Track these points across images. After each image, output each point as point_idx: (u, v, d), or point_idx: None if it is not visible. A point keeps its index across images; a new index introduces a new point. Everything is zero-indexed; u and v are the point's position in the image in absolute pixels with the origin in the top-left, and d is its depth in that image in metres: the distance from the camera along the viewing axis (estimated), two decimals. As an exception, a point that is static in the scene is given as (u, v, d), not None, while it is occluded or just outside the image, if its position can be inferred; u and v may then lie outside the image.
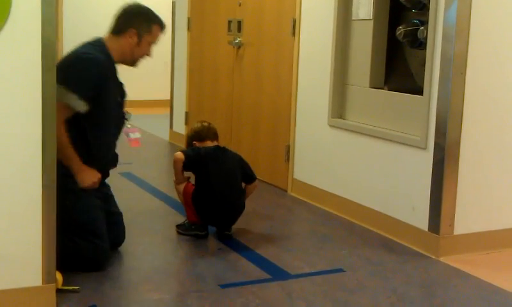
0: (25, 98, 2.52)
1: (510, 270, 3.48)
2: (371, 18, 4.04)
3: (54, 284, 2.68)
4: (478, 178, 3.61)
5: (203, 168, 3.62)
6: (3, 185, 2.54)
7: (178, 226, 3.79)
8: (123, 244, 3.45)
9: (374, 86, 4.09)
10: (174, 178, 3.76)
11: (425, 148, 3.59)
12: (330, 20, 4.30)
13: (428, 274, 3.32)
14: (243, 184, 3.79)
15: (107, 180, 3.45)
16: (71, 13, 8.92)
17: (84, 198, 3.11)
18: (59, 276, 2.78)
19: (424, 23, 3.66)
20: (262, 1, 5.12)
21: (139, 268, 3.22)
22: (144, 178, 5.14)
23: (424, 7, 3.71)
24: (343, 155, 4.27)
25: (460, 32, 3.41)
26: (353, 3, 4.18)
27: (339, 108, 4.33)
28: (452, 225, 3.55)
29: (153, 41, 3.32)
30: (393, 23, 3.99)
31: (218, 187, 3.58)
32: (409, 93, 3.80)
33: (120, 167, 5.40)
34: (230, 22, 5.58)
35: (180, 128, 6.61)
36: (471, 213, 3.61)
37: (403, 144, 3.76)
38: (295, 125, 4.74)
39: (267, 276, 3.18)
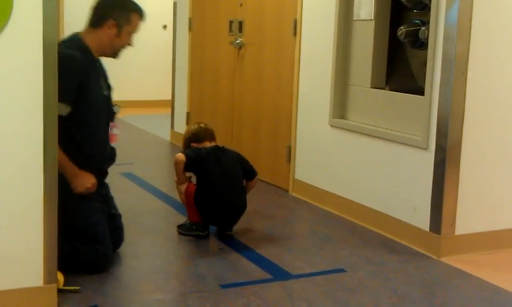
0: (27, 98, 2.52)
1: (511, 270, 3.47)
2: (372, 18, 4.03)
3: (55, 285, 2.67)
4: (479, 178, 3.61)
5: (204, 169, 3.62)
6: (4, 185, 2.54)
7: (179, 226, 3.80)
8: (124, 244, 3.45)
9: (375, 86, 4.09)
10: (175, 179, 3.77)
11: (426, 149, 3.59)
12: (331, 20, 4.29)
13: (429, 274, 3.32)
14: (244, 181, 3.79)
15: (107, 180, 3.42)
16: (72, 12, 8.91)
17: (85, 202, 3.08)
18: (60, 276, 2.78)
19: (425, 23, 3.66)
20: (263, 1, 5.12)
21: (140, 269, 3.22)
22: (145, 178, 5.14)
23: (425, 8, 3.71)
24: (344, 155, 4.27)
25: (461, 33, 3.40)
26: (354, 3, 4.18)
27: (340, 108, 4.33)
28: (453, 225, 3.55)
29: (133, 30, 3.23)
30: (394, 24, 3.98)
31: (220, 187, 3.59)
32: (411, 93, 3.79)
33: (120, 167, 5.45)
34: (231, 22, 5.58)
35: (181, 128, 6.60)
36: (472, 214, 3.61)
37: (404, 144, 3.76)
38: (296, 125, 4.74)
39: (268, 276, 3.18)
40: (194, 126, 3.91)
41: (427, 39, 3.58)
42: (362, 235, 3.90)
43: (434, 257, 3.52)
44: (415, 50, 3.89)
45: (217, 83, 5.93)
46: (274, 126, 5.02)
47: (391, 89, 4.02)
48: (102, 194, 3.28)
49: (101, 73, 3.25)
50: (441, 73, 3.47)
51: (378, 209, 3.96)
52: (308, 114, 4.63)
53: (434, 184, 3.55)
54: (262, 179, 5.06)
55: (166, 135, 7.02)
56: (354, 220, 4.13)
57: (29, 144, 2.54)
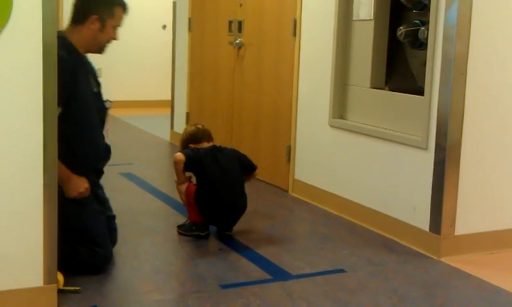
0: (26, 97, 2.52)
1: (511, 270, 3.47)
2: (372, 18, 4.03)
3: (55, 285, 2.67)
4: (479, 178, 3.61)
5: (203, 169, 3.63)
6: (4, 185, 2.54)
7: (179, 227, 3.80)
8: (124, 245, 3.45)
9: (374, 86, 4.09)
10: (175, 179, 3.76)
11: (426, 149, 3.59)
12: (331, 21, 4.29)
13: (429, 274, 3.32)
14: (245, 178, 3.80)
15: (104, 180, 3.40)
16: (72, 13, 8.93)
17: (84, 205, 3.06)
18: (60, 277, 2.78)
19: (425, 23, 3.66)
20: (263, 2, 5.12)
21: (140, 269, 3.22)
22: (145, 178, 5.13)
23: (425, 8, 3.71)
24: (344, 156, 4.27)
25: (461, 33, 3.40)
26: (354, 3, 4.18)
27: (340, 108, 4.33)
28: (453, 225, 3.55)
29: (117, 24, 3.17)
30: (394, 24, 3.98)
31: (220, 187, 3.59)
32: (410, 94, 3.79)
33: (120, 168, 5.45)
34: (230, 22, 5.58)
35: (181, 128, 6.56)
36: (472, 214, 3.61)
37: (404, 144, 3.76)
38: (296, 126, 4.74)
39: (268, 276, 3.18)
40: (191, 128, 3.91)
41: (426, 39, 3.59)
42: (362, 235, 3.90)
43: (434, 257, 3.52)
44: (415, 50, 3.89)
45: (216, 83, 5.93)
46: (273, 127, 5.02)
47: (390, 89, 4.02)
48: (99, 194, 3.26)
49: (89, 70, 3.19)
50: (441, 73, 3.47)
51: (378, 209, 3.96)
52: (307, 114, 4.63)
53: (433, 184, 3.55)
54: (262, 179, 5.06)
55: (166, 136, 7.02)
56: (353, 221, 4.13)
57: (28, 144, 2.54)
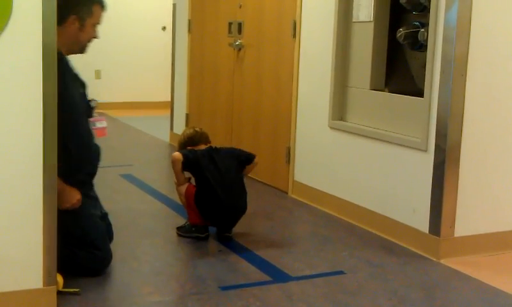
0: (26, 98, 2.52)
1: (511, 272, 3.47)
2: (371, 20, 4.04)
3: (54, 287, 2.67)
4: (479, 180, 3.61)
5: (201, 169, 3.63)
6: (4, 186, 2.54)
7: (178, 228, 3.79)
8: (124, 246, 3.46)
9: (374, 88, 4.09)
10: (175, 180, 3.77)
11: (425, 150, 3.59)
12: (330, 22, 4.30)
13: (429, 276, 3.32)
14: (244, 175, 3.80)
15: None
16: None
17: (81, 209, 3.04)
18: (59, 278, 2.78)
19: (425, 25, 3.66)
20: (263, 3, 5.12)
21: (140, 270, 3.21)
22: (145, 179, 5.13)
23: (425, 9, 3.71)
24: (343, 157, 4.27)
25: (461, 34, 3.41)
26: (354, 5, 4.18)
27: (340, 110, 4.33)
28: (452, 227, 3.55)
29: (96, 22, 3.15)
30: (393, 26, 3.98)
31: (218, 189, 3.59)
32: (410, 95, 3.79)
33: (120, 169, 5.45)
34: (230, 23, 5.58)
35: (181, 130, 6.57)
36: (472, 215, 3.61)
37: (404, 146, 3.76)
38: (295, 127, 4.74)
39: (268, 278, 3.17)
40: (189, 131, 3.93)
41: (426, 41, 3.59)
42: (361, 236, 3.90)
43: (434, 259, 3.52)
44: (414, 52, 3.90)
45: (216, 85, 5.93)
46: (273, 128, 5.02)
47: (390, 91, 4.02)
48: (90, 194, 3.26)
49: (74, 72, 3.19)
50: (441, 75, 3.47)
51: (377, 211, 3.96)
52: (307, 115, 4.63)
53: (433, 186, 3.55)
54: (261, 180, 5.06)
55: (166, 137, 7.02)
56: (353, 222, 4.13)
57: (28, 144, 2.54)
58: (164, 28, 9.41)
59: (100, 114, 3.29)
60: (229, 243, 3.66)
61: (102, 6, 3.17)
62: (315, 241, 3.83)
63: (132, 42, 9.34)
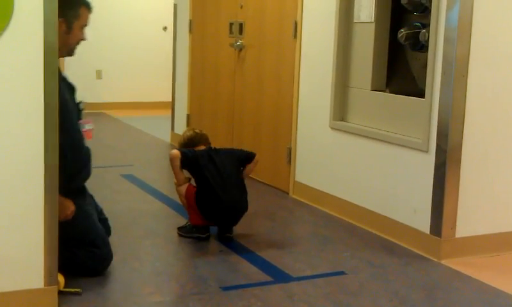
0: (27, 99, 2.52)
1: (512, 273, 3.48)
2: (373, 20, 4.04)
3: (56, 287, 2.68)
4: (480, 181, 3.61)
5: (200, 170, 3.63)
6: (5, 187, 2.54)
7: (179, 229, 3.80)
8: (125, 246, 3.46)
9: (375, 88, 4.09)
10: (175, 181, 3.77)
11: (427, 151, 3.59)
12: (332, 23, 4.30)
13: (430, 276, 3.32)
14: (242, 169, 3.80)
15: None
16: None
17: (79, 210, 3.03)
18: (61, 278, 2.78)
19: (426, 26, 3.66)
20: (264, 3, 5.12)
21: (141, 271, 3.22)
22: (146, 180, 5.14)
23: (426, 10, 3.71)
24: (344, 158, 4.27)
25: (462, 35, 3.41)
26: (355, 6, 4.18)
27: (341, 110, 4.33)
28: (453, 228, 3.55)
29: (84, 24, 3.15)
30: (394, 26, 3.98)
31: (218, 188, 3.58)
32: (411, 96, 3.79)
33: (121, 169, 5.45)
34: (231, 24, 5.58)
35: (182, 130, 6.59)
36: (473, 216, 3.61)
37: (405, 146, 3.76)
38: (296, 127, 4.74)
39: (269, 279, 3.17)
40: (189, 132, 3.94)
41: (427, 41, 3.59)
42: (362, 237, 3.90)
43: (435, 259, 3.52)
44: (416, 53, 3.90)
45: (217, 85, 5.93)
46: (274, 128, 5.02)
47: (391, 92, 4.02)
48: (87, 194, 3.25)
49: (60, 75, 3.19)
50: (442, 76, 3.47)
51: (378, 211, 3.96)
52: (308, 116, 4.63)
53: (434, 186, 3.55)
54: (262, 181, 5.06)
55: (167, 137, 7.02)
56: (354, 223, 4.13)
57: (30, 145, 2.54)
58: (165, 28, 9.41)
59: (87, 116, 3.27)
60: (230, 243, 3.66)
61: (89, 8, 3.17)
62: (316, 241, 3.83)
63: (133, 42, 9.35)
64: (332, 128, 4.36)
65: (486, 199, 3.65)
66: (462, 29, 3.40)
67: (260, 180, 5.08)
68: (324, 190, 4.46)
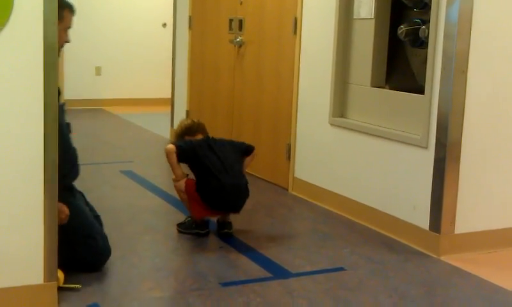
0: (27, 98, 2.52)
1: (511, 269, 3.48)
2: (372, 17, 4.03)
3: (55, 282, 2.68)
4: (479, 177, 3.61)
5: (199, 158, 3.60)
6: (5, 184, 2.54)
7: (179, 225, 3.79)
8: (124, 242, 3.46)
9: (375, 84, 4.09)
10: (173, 176, 3.75)
11: (426, 147, 3.59)
12: (331, 19, 4.29)
13: (429, 272, 3.32)
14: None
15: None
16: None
17: (70, 206, 3.01)
18: (60, 274, 2.78)
19: (426, 22, 3.66)
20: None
21: (140, 267, 3.22)
22: (145, 176, 5.14)
23: (426, 6, 3.71)
24: (344, 154, 4.28)
25: (462, 31, 3.40)
26: (355, 2, 4.18)
27: (340, 107, 4.33)
28: (453, 224, 3.55)
29: (67, 26, 3.15)
30: (394, 22, 3.98)
31: (218, 173, 3.54)
32: (411, 92, 3.80)
33: (120, 165, 5.45)
34: (231, 20, 5.58)
35: (181, 126, 6.61)
36: (472, 212, 3.61)
37: (404, 142, 3.76)
38: (296, 124, 4.74)
39: (268, 275, 3.18)
40: (187, 121, 3.94)
41: (427, 38, 3.59)
42: (362, 233, 3.90)
43: (434, 256, 3.52)
44: (415, 49, 3.89)
45: (217, 81, 5.93)
46: (274, 125, 5.02)
47: (391, 88, 4.02)
48: (77, 191, 3.25)
49: None
50: (442, 72, 3.47)
51: (378, 207, 3.97)
52: (308, 112, 4.63)
53: (434, 183, 3.56)
54: (262, 177, 5.07)
55: (166, 134, 7.02)
56: (353, 219, 4.14)
57: (29, 143, 2.54)
58: (164, 25, 9.40)
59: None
60: (229, 239, 3.67)
61: (72, 10, 3.17)
62: (315, 237, 3.83)
63: (133, 39, 9.33)
64: (332, 124, 4.36)
65: (486, 195, 3.65)
66: (462, 25, 3.40)
67: (260, 176, 5.08)
68: (324, 187, 4.46)
